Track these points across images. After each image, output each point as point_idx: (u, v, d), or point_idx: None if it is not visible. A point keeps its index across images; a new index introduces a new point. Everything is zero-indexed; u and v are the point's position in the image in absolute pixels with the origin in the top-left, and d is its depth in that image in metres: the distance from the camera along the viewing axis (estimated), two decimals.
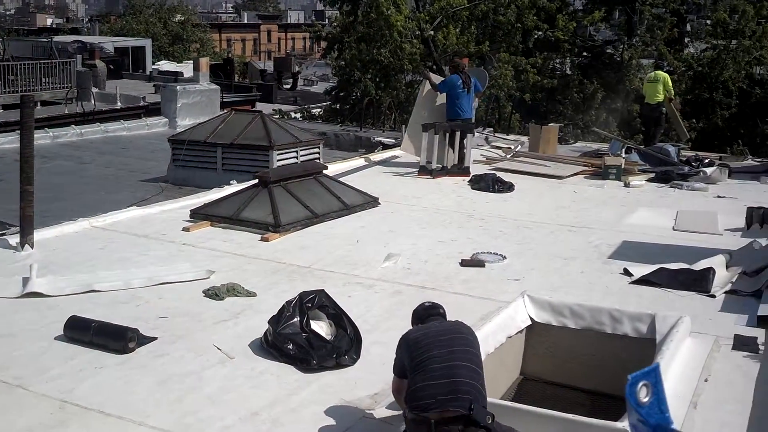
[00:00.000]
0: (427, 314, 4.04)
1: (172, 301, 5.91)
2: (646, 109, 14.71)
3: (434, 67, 21.86)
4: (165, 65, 34.73)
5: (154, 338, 5.12)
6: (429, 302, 4.22)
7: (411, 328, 4.03)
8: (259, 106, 23.13)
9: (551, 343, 5.58)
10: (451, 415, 3.41)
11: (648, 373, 1.75)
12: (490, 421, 3.44)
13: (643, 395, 1.80)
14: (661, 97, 14.24)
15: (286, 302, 4.97)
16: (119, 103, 21.34)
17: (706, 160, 12.56)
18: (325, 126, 19.58)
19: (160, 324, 5.42)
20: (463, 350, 3.69)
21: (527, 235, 8.26)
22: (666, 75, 14.89)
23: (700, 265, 6.64)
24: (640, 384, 1.76)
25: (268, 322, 4.96)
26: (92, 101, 20.81)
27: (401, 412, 4.03)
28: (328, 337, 4.85)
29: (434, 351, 3.63)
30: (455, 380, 3.51)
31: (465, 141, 11.65)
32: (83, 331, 5.02)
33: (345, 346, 4.82)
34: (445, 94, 11.85)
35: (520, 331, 5.55)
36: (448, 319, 4.11)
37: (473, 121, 11.88)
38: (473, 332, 3.96)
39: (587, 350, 5.39)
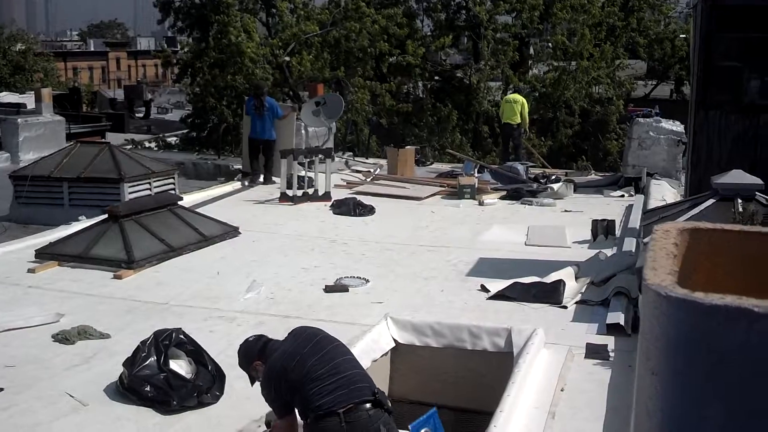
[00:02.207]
0: (262, 344, 3.88)
1: (18, 349, 5.56)
2: (507, 128, 15.50)
3: (290, 92, 21.87)
4: (6, 97, 32.76)
5: (0, 389, 4.78)
6: (252, 336, 4.03)
7: (261, 364, 3.82)
8: (110, 136, 22.14)
9: (415, 362, 5.66)
10: (358, 402, 3.45)
11: (427, 420, 1.78)
12: (390, 404, 3.55)
13: None
14: (517, 118, 15.08)
15: (141, 342, 4.78)
16: None
17: (553, 177, 13.21)
18: (182, 155, 19.10)
19: (6, 373, 5.09)
20: (333, 348, 3.70)
21: (389, 257, 8.36)
22: (524, 100, 15.70)
23: (551, 277, 6.95)
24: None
25: (123, 365, 4.75)
26: None
27: None
28: (188, 376, 4.69)
29: (309, 362, 3.58)
30: (345, 375, 3.54)
31: (325, 166, 11.71)
32: None
33: (206, 383, 4.68)
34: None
35: (385, 354, 5.59)
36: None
37: (272, 141, 12.68)
38: (319, 329, 3.97)
39: (449, 368, 5.50)
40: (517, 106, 15.22)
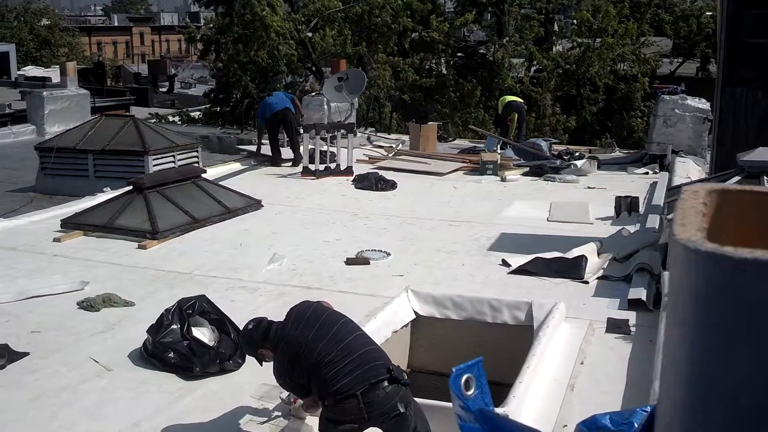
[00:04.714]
0: (263, 330, 3.79)
1: (44, 315, 5.64)
2: (517, 105, 15.77)
3: (313, 68, 21.83)
4: (32, 71, 33.03)
5: (26, 354, 4.89)
6: (251, 323, 3.87)
7: (267, 349, 3.79)
8: (134, 110, 22.28)
9: (435, 334, 5.69)
10: (375, 381, 3.44)
11: (471, 366, 1.79)
12: (406, 377, 3.54)
13: (468, 388, 1.85)
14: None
15: (165, 310, 4.84)
16: None
17: (577, 153, 13.10)
18: (206, 129, 19.17)
19: (33, 339, 5.18)
20: (340, 326, 3.66)
21: (410, 231, 8.37)
22: None
23: (573, 253, 6.92)
24: (464, 377, 1.81)
25: (147, 332, 4.82)
26: None
27: (288, 409, 4.02)
28: (210, 343, 4.75)
29: (318, 347, 3.55)
30: (358, 354, 3.53)
31: (347, 141, 11.71)
32: None
33: (229, 351, 4.73)
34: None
35: (405, 325, 5.62)
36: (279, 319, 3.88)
37: (290, 109, 12.50)
38: (320, 304, 3.89)
39: (470, 340, 5.52)
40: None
